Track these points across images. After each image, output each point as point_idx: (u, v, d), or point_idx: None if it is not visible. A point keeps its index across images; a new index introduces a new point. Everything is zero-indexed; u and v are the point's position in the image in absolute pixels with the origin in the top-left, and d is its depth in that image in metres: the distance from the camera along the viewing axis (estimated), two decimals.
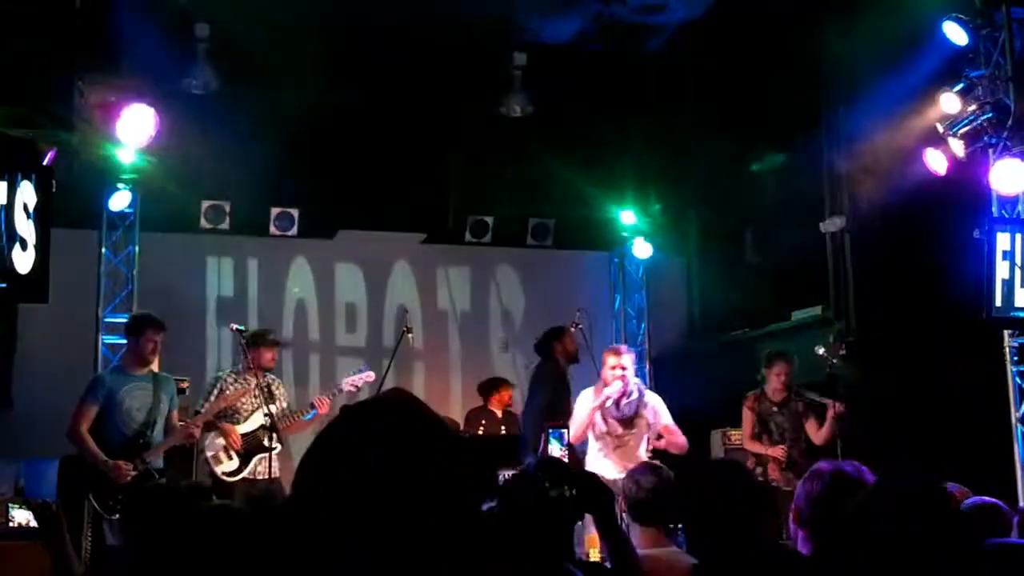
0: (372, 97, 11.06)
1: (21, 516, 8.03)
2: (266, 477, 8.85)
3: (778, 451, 9.20)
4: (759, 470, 9.07)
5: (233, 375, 9.16)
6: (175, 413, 8.52)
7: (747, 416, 9.50)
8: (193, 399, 10.10)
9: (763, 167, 11.57)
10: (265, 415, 8.82)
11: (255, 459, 8.91)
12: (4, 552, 7.60)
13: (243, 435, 8.90)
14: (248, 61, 10.22)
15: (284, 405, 9.25)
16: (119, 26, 9.44)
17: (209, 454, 8.98)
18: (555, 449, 7.87)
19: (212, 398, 8.97)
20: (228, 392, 8.97)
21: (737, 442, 10.55)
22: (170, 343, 9.78)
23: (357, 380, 9.41)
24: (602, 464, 8.63)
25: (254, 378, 9.04)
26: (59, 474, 8.41)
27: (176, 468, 8.91)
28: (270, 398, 8.92)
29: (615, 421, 8.77)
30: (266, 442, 8.84)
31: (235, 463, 8.91)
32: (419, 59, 10.75)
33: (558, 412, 9.09)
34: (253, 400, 9.06)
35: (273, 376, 9.42)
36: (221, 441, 8.94)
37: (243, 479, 8.86)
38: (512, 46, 11.37)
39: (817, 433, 9.18)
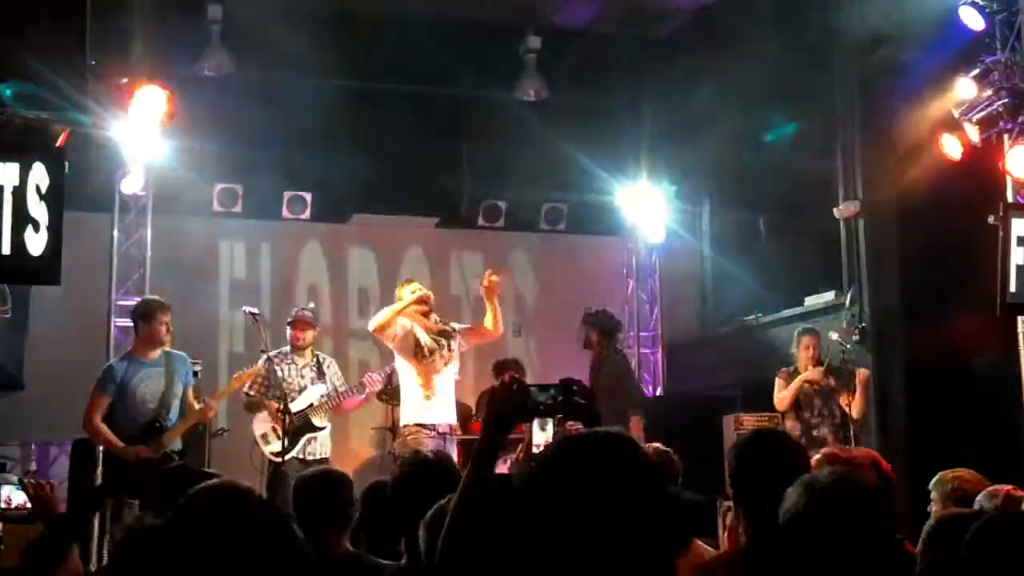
0: (386, 80, 11.06)
1: (19, 497, 8.06)
2: (316, 457, 8.86)
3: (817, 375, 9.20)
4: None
5: (280, 356, 9.17)
6: (190, 391, 8.48)
7: (779, 384, 9.44)
8: (206, 382, 10.10)
9: (777, 144, 11.48)
10: (322, 395, 8.92)
11: (304, 438, 8.90)
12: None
13: (294, 414, 8.86)
14: (261, 44, 10.22)
15: (337, 384, 9.27)
16: (133, 7, 9.45)
17: (258, 434, 8.98)
18: (539, 437, 7.81)
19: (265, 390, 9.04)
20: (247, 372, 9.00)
21: (749, 427, 10.53)
22: (183, 326, 9.79)
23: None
24: (429, 406, 8.38)
25: (301, 358, 9.11)
26: (71, 457, 8.43)
27: (194, 451, 8.88)
28: (320, 376, 8.98)
29: (430, 336, 8.48)
30: (316, 421, 8.92)
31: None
32: (434, 43, 10.74)
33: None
34: (301, 379, 9.09)
35: (325, 355, 9.50)
36: (268, 421, 8.95)
37: (295, 459, 8.82)
38: (527, 30, 11.35)
39: (853, 405, 9.05)
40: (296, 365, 9.16)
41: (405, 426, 8.41)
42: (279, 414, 8.73)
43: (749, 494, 3.69)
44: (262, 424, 9.05)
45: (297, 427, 8.85)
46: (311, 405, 8.99)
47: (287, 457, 8.69)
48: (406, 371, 8.51)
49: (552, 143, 11.29)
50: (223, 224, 11.70)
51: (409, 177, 11.65)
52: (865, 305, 10.03)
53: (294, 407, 8.85)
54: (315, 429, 8.94)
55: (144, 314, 8.37)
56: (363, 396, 9.34)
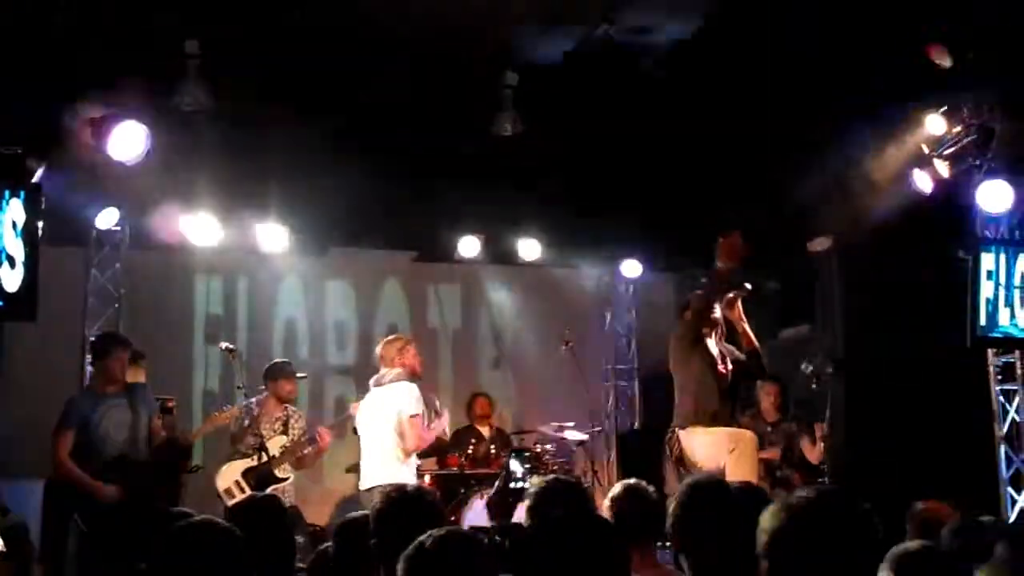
0: (363, 115, 11.08)
1: None
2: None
3: (773, 453, 9.32)
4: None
5: (256, 405, 9.29)
6: (155, 418, 8.50)
7: None
8: (181, 417, 10.08)
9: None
10: (281, 447, 9.05)
11: (268, 490, 8.91)
12: None
13: (251, 468, 8.97)
14: (239, 78, 10.24)
15: (296, 435, 9.31)
16: (109, 42, 9.47)
17: (221, 489, 9.02)
18: (517, 466, 7.93)
19: (243, 424, 9.18)
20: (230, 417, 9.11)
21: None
22: (157, 361, 9.78)
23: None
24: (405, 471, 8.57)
25: (277, 410, 9.21)
26: (44, 496, 8.37)
27: (166, 487, 8.85)
28: (284, 431, 9.05)
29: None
30: (278, 473, 8.98)
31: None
32: (410, 78, 10.78)
33: None
34: (270, 431, 9.15)
35: (294, 409, 9.55)
36: (232, 476, 8.99)
37: None
38: (503, 65, 11.40)
39: (812, 451, 9.33)
40: (269, 417, 9.24)
41: (370, 490, 8.40)
42: (252, 462, 8.99)
43: (692, 543, 3.74)
44: (225, 479, 9.06)
45: (260, 478, 8.90)
46: (272, 456, 9.03)
47: None
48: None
49: (529, 177, 11.33)
50: (199, 259, 11.62)
51: (387, 211, 11.64)
52: (838, 338, 10.09)
53: (255, 461, 8.99)
54: (278, 480, 8.97)
55: (100, 350, 8.43)
56: (316, 448, 9.34)
